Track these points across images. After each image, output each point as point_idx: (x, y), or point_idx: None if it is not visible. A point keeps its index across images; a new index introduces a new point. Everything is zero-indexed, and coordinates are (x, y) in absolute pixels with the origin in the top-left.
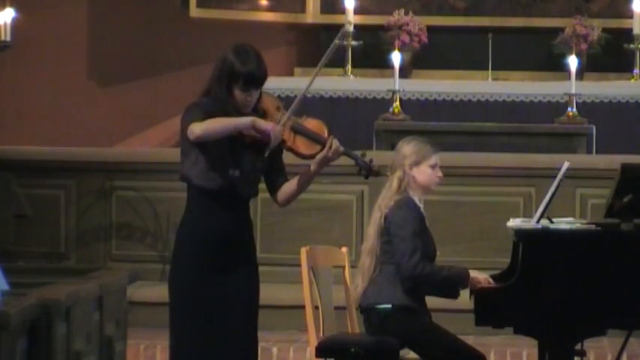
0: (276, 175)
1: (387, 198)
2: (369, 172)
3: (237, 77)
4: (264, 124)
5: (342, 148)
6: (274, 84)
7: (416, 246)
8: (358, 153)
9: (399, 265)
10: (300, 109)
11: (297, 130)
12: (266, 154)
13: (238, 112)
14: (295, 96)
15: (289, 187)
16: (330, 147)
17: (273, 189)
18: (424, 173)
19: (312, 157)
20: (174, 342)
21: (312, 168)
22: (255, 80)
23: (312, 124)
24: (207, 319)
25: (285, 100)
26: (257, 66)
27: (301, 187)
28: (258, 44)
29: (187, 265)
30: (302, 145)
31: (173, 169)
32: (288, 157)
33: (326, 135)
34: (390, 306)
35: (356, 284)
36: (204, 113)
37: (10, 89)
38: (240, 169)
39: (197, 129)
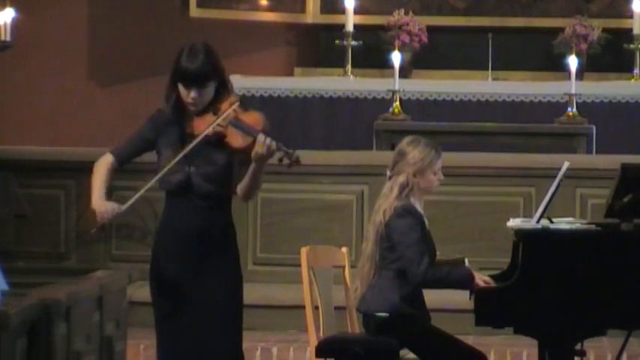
0: (236, 169)
1: (386, 203)
2: (289, 165)
3: (177, 72)
4: (94, 204)
5: (273, 144)
6: (274, 84)
7: (423, 251)
8: (289, 150)
9: (408, 272)
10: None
11: (234, 125)
12: (183, 154)
13: (184, 111)
14: (295, 96)
15: (243, 182)
16: (261, 143)
17: (235, 183)
18: (427, 180)
19: (245, 150)
20: (156, 340)
21: (252, 166)
22: (190, 77)
23: (249, 117)
24: (178, 318)
25: (285, 100)
26: (200, 64)
27: (250, 185)
28: (258, 44)
29: (158, 264)
30: (235, 140)
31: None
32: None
33: (259, 128)
34: (387, 315)
35: (356, 286)
36: (150, 131)
37: (10, 89)
38: (195, 166)
39: (96, 164)
